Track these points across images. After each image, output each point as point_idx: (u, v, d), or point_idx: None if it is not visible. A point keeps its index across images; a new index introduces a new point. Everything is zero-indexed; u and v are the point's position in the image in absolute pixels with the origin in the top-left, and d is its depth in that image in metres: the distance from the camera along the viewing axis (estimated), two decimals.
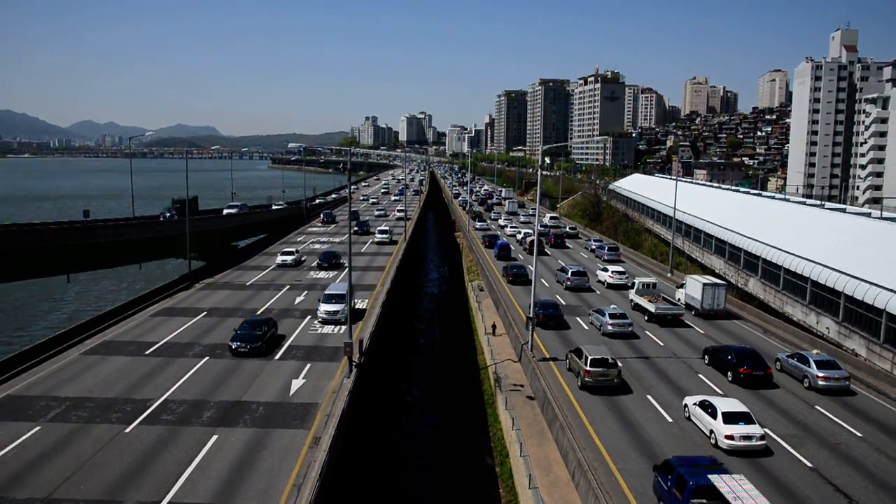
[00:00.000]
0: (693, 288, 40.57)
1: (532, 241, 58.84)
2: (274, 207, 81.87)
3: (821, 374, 26.79)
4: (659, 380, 27.90)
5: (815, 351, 29.58)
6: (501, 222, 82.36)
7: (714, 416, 22.63)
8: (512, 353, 32.95)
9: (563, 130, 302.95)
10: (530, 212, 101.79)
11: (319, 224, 76.95)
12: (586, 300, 41.81)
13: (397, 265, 50.35)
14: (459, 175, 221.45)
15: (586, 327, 35.67)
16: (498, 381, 28.60)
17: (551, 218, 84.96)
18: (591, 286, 45.14)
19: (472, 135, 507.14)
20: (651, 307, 37.22)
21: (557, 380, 27.06)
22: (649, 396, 26.07)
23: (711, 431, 22.55)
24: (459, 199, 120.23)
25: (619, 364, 27.43)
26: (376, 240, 57.80)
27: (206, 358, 27.59)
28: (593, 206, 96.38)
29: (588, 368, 26.80)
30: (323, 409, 22.92)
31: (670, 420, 23.82)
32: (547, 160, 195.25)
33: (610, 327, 34.14)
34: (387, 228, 60.26)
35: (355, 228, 65.10)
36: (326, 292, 34.05)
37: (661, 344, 33.26)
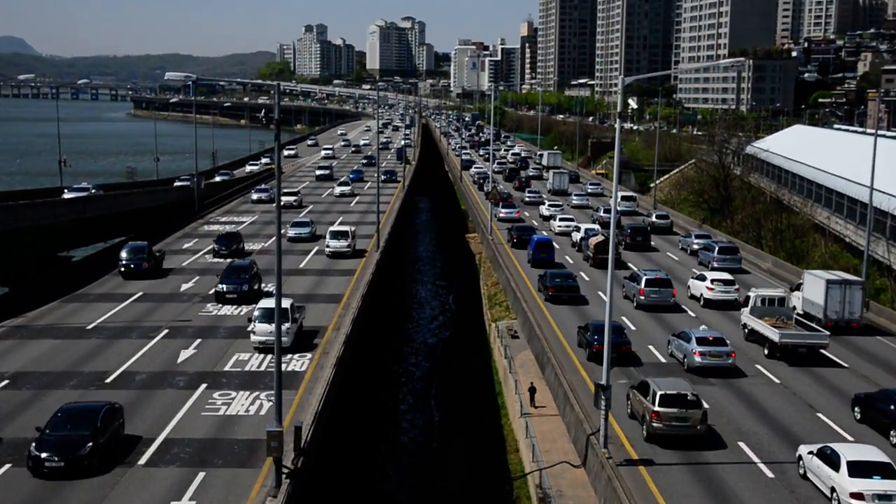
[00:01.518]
0: (812, 288, 45.43)
1: (599, 244, 61.46)
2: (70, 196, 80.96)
3: None
4: (773, 437, 31.64)
5: None
6: (545, 210, 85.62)
7: (836, 467, 25.76)
8: (569, 447, 33.24)
9: (661, 50, 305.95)
10: (589, 188, 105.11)
11: (222, 219, 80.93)
12: (671, 325, 45.52)
13: (363, 291, 51.53)
14: (474, 130, 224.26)
15: (664, 360, 39.55)
16: None
17: (623, 199, 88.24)
18: (680, 303, 50.24)
19: (498, 59, 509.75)
20: (774, 334, 40.30)
21: None
22: (747, 449, 30.33)
23: (833, 490, 25.56)
24: (472, 171, 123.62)
25: (705, 404, 30.65)
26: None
27: None
28: (717, 184, 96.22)
29: (657, 409, 29.93)
30: None
31: (784, 488, 27.66)
32: (632, 103, 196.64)
33: (698, 359, 37.97)
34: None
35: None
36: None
37: (779, 383, 37.15)
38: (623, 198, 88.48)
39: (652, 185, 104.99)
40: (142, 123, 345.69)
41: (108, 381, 35.69)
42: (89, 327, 43.77)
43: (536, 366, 42.70)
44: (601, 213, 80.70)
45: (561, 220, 77.03)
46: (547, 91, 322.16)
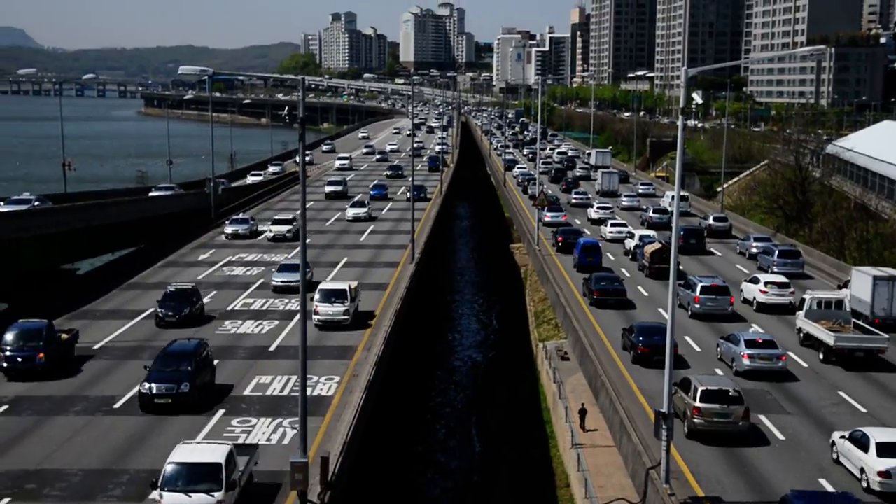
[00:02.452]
0: (860, 285, 48.38)
1: (656, 252, 62.78)
2: (157, 194, 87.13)
3: None
4: (822, 438, 34.23)
5: None
6: (593, 213, 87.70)
7: (866, 448, 29.78)
8: (626, 482, 33.13)
9: (730, 38, 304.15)
10: (640, 189, 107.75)
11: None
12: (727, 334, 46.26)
13: (396, 308, 51.89)
14: (517, 128, 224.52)
15: (719, 371, 41.21)
16: None
17: (653, 189, 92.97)
18: (734, 309, 51.97)
19: (546, 49, 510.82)
20: (829, 338, 42.41)
21: None
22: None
23: (862, 470, 29.71)
24: (516, 171, 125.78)
25: (745, 401, 33.62)
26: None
27: None
28: (793, 189, 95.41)
29: (698, 405, 33.10)
30: None
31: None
32: (697, 98, 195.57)
33: (747, 361, 40.38)
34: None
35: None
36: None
37: (835, 388, 39.55)
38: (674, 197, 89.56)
39: (719, 189, 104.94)
40: (153, 123, 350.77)
41: (117, 406, 36.18)
42: (96, 347, 44.45)
43: (589, 391, 42.67)
44: (650, 214, 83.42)
45: (613, 225, 78.08)
46: (600, 85, 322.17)
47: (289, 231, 75.32)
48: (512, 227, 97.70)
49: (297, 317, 46.31)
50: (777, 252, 63.54)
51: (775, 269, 61.66)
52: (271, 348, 44.13)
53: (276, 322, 49.24)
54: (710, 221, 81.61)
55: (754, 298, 53.46)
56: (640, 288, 58.99)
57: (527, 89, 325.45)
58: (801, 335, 45.66)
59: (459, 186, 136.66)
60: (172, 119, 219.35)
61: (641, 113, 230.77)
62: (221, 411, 35.60)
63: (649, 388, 39.04)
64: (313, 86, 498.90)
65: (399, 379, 50.38)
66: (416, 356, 59.34)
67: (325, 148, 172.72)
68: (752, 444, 33.05)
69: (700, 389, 33.09)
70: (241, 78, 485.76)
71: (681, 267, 61.48)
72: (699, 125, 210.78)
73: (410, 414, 51.29)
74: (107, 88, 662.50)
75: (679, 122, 32.25)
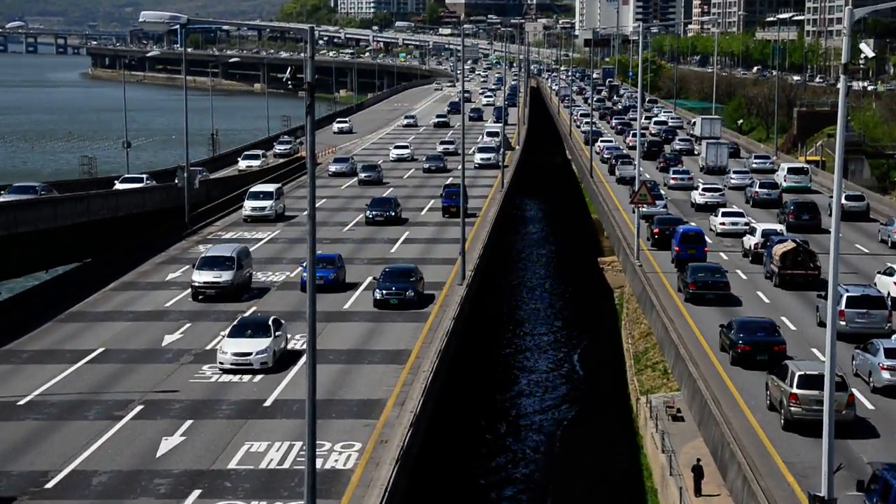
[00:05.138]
0: None
1: (788, 254, 64.10)
2: (120, 186, 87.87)
3: None
4: None
5: None
6: (698, 196, 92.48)
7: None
8: None
9: None
10: (753, 163, 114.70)
11: (227, 234, 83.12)
12: None
13: (441, 346, 51.72)
14: (604, 93, 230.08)
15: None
16: None
17: (791, 172, 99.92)
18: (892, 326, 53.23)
19: None
20: None
21: None
22: None
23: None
24: (600, 145, 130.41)
25: (851, 388, 39.89)
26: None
27: None
28: None
29: (795, 391, 39.70)
30: None
31: None
32: (866, 49, 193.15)
33: (886, 375, 44.07)
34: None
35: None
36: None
37: None
38: (790, 170, 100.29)
39: None
40: (104, 89, 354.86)
41: (49, 485, 36.13)
42: (22, 403, 44.41)
43: (714, 465, 42.11)
44: (756, 188, 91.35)
45: (725, 214, 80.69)
46: (727, 34, 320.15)
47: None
48: (601, 233, 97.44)
49: (302, 360, 46.39)
50: None
51: None
52: (266, 403, 44.10)
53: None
54: (842, 201, 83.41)
55: (888, 294, 55.38)
56: (760, 294, 61.14)
57: (622, 41, 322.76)
58: None
59: (528, 177, 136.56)
60: (131, 84, 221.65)
61: (785, 72, 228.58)
62: (197, 492, 35.55)
63: (793, 454, 39.04)
64: (326, 38, 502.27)
65: (445, 445, 50.43)
66: (468, 412, 59.31)
67: (336, 128, 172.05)
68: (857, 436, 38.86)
69: (798, 374, 39.69)
70: (225, 28, 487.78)
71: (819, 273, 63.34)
72: (870, 88, 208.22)
73: (461, 493, 51.01)
74: (39, 42, 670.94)
75: (841, 85, 31.71)
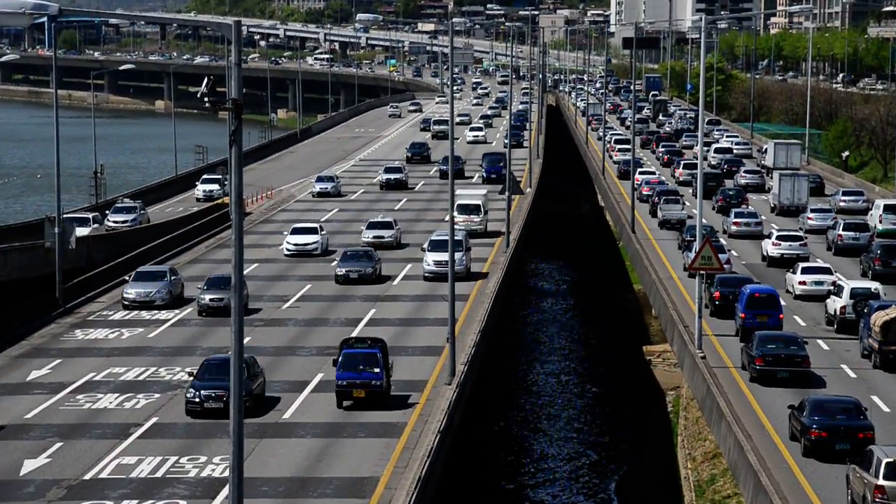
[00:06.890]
0: None
1: (892, 324, 64.02)
2: None
3: None
4: None
5: None
6: (771, 247, 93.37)
7: None
8: None
9: None
10: (841, 202, 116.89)
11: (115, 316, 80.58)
12: None
13: (420, 479, 48.88)
14: (648, 111, 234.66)
15: None
16: None
17: (889, 210, 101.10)
18: None
19: None
20: None
21: None
22: None
23: None
24: (642, 177, 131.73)
25: None
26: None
27: None
28: None
29: (882, 482, 40.59)
30: None
31: None
32: None
33: None
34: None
35: None
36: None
37: None
38: (887, 208, 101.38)
39: None
40: None
41: None
42: None
43: None
44: (840, 231, 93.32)
45: (807, 271, 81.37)
46: (826, 30, 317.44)
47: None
48: (648, 311, 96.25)
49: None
50: None
51: None
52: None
53: None
54: None
55: None
56: (848, 371, 61.36)
57: (676, 41, 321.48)
58: None
59: (544, 232, 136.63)
60: None
61: None
62: None
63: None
64: (259, 36, 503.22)
65: None
66: None
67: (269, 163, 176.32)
68: None
69: (885, 462, 40.76)
70: (112, 21, 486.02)
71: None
72: None
73: None
74: None
75: None
